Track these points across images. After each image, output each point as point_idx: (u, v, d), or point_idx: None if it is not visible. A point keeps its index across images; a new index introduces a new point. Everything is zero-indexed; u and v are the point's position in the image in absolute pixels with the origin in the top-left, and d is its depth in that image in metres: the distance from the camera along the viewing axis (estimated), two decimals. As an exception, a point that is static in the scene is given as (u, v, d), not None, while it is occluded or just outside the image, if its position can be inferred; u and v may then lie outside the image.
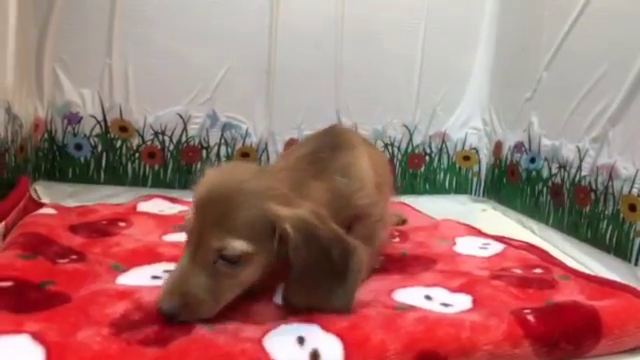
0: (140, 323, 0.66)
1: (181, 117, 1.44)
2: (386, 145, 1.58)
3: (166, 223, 1.12)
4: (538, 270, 0.94)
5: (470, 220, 1.26)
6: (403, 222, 1.25)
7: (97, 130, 1.41)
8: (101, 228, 1.06)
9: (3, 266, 0.78)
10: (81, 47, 1.37)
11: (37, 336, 0.61)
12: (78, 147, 1.42)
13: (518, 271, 0.93)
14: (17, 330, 0.62)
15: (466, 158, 1.65)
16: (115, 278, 0.82)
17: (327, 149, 0.88)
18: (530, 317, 0.72)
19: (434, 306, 0.77)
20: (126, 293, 0.74)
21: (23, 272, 0.77)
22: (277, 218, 0.71)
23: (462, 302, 0.79)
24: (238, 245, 0.69)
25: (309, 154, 0.88)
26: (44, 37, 1.34)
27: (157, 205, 1.29)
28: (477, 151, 1.65)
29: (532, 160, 1.39)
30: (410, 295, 0.81)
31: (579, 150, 1.20)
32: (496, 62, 1.58)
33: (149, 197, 1.34)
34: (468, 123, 1.64)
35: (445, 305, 0.78)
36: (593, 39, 1.18)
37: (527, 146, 1.41)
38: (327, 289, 0.73)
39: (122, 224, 1.10)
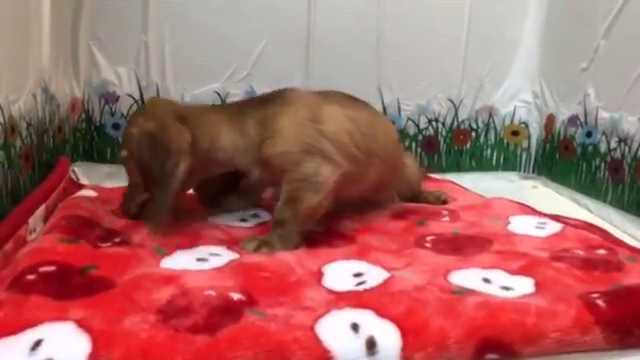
0: (187, 309, 0.63)
1: (219, 95, 1.41)
2: (430, 121, 1.53)
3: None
4: (601, 251, 0.88)
5: (520, 198, 1.20)
6: (443, 202, 1.17)
7: (134, 109, 1.39)
8: (142, 209, 1.03)
9: (46, 250, 0.77)
10: (116, 24, 1.35)
11: (82, 323, 0.59)
12: (116, 127, 1.41)
13: (580, 252, 0.87)
14: (62, 317, 0.60)
15: (515, 133, 1.59)
16: (159, 262, 0.79)
17: (258, 101, 0.98)
18: (599, 302, 0.67)
19: (494, 290, 0.72)
20: (172, 278, 0.72)
21: (66, 256, 0.75)
22: (132, 126, 0.93)
23: (523, 285, 0.74)
24: (122, 153, 0.95)
25: (242, 102, 1.02)
26: (79, 15, 1.32)
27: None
28: (527, 125, 1.58)
29: (588, 134, 1.32)
30: (467, 278, 0.76)
31: (641, 123, 1.14)
32: (547, 30, 1.49)
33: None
34: (517, 96, 1.56)
35: (505, 289, 0.73)
36: (656, 3, 1.11)
37: (582, 119, 1.34)
38: (154, 197, 0.90)
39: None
